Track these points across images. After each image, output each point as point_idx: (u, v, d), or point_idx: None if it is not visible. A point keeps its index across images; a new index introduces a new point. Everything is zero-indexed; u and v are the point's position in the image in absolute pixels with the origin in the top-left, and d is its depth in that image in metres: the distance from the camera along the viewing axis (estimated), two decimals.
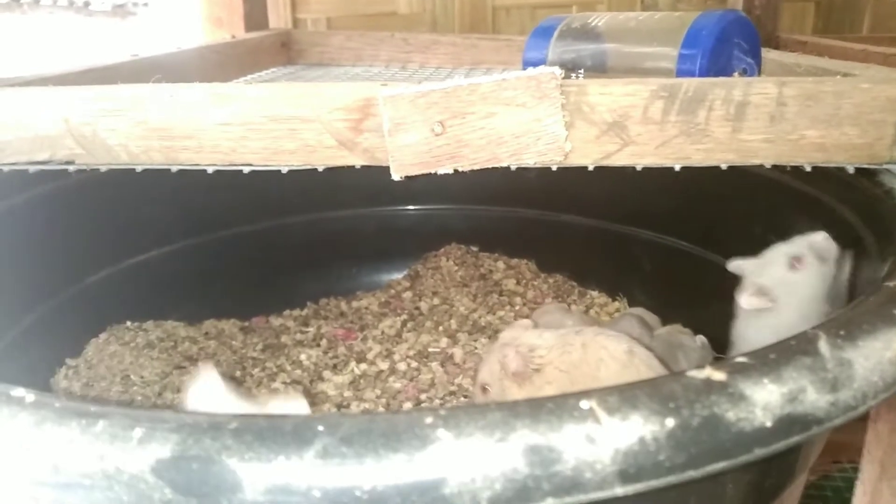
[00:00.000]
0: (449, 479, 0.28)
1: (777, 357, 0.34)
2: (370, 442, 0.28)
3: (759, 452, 0.32)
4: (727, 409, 0.31)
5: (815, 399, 0.33)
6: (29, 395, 0.32)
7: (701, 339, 0.89)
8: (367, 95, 0.61)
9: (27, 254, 0.78)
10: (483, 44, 1.21)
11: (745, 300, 0.67)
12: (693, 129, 0.60)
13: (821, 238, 0.67)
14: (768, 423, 0.31)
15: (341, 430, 0.29)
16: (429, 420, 0.29)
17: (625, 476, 0.29)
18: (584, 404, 0.30)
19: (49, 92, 0.69)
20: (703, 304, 0.94)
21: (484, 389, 0.70)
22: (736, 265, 0.71)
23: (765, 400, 0.32)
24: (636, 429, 0.30)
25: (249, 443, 0.29)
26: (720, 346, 0.87)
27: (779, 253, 0.68)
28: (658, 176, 0.63)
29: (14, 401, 0.32)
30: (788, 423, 0.32)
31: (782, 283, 0.66)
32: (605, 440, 0.29)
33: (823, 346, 0.35)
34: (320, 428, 0.29)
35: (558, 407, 0.30)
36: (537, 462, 0.28)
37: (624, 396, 0.31)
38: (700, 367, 0.33)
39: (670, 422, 0.30)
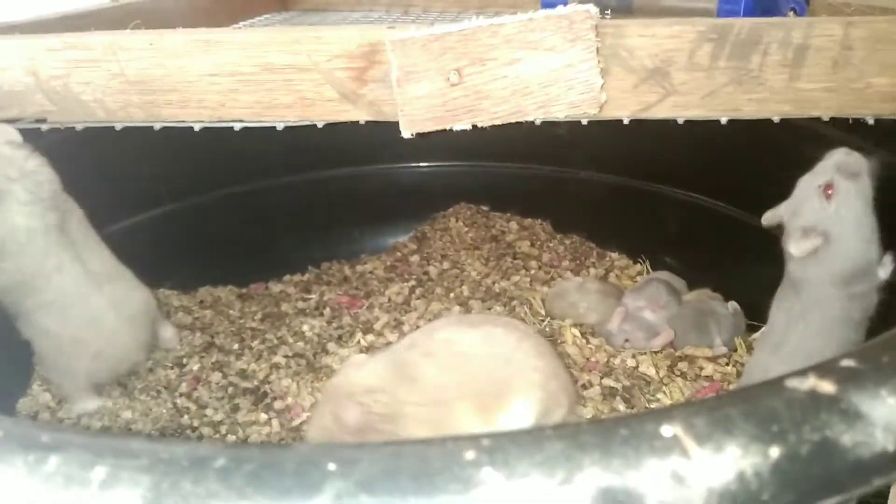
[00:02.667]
0: None
1: (891, 360, 0.28)
2: (396, 487, 0.22)
3: (878, 483, 0.25)
4: (842, 432, 0.25)
5: None
6: None
7: (733, 305, 0.83)
8: (372, 40, 0.53)
9: None
10: None
11: (794, 247, 0.60)
12: (745, 77, 0.53)
13: (843, 154, 0.60)
14: (890, 448, 0.25)
15: (358, 469, 0.22)
16: (470, 455, 0.23)
17: None
18: (667, 430, 0.24)
19: (14, 42, 0.61)
20: (733, 267, 0.87)
21: None
22: (769, 216, 0.64)
23: (885, 418, 0.25)
24: (734, 462, 0.23)
25: (240, 488, 0.22)
26: (753, 312, 0.81)
27: (807, 186, 0.61)
28: (685, 127, 0.56)
29: None
30: None
31: (823, 215, 0.59)
32: (696, 478, 0.23)
33: None
34: (331, 467, 0.23)
35: (634, 435, 0.23)
36: None
37: (714, 418, 0.24)
38: (801, 374, 0.26)
39: (775, 451, 0.24)
